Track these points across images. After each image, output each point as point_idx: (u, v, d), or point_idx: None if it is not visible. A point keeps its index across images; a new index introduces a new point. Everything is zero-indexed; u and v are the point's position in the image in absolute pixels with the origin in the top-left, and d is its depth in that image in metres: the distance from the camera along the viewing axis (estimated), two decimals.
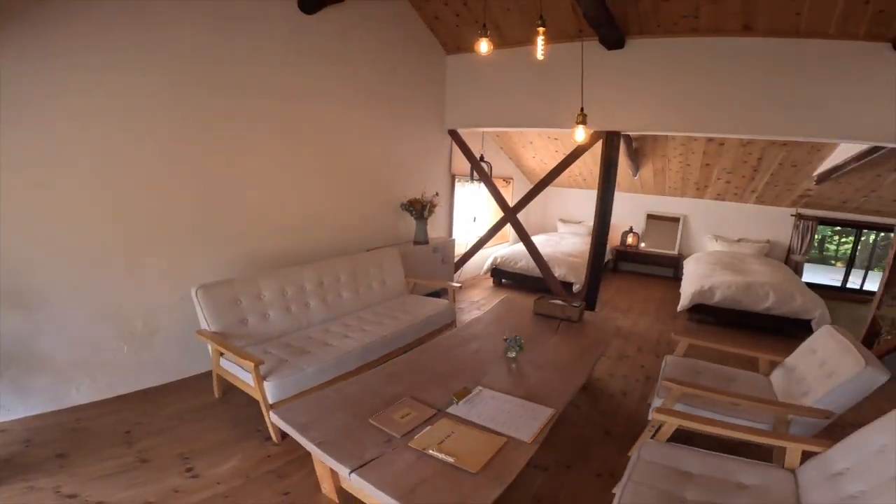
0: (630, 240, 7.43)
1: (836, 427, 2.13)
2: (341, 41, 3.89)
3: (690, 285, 4.91)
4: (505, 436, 1.77)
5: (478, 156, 5.49)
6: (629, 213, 7.58)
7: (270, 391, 2.36)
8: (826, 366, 2.20)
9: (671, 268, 7.15)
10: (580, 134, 2.97)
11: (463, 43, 4.85)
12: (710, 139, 5.05)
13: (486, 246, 6.42)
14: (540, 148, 6.60)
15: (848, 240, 11.20)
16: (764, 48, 3.56)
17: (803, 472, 1.72)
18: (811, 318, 4.26)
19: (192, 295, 2.66)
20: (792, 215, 6.49)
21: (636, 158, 6.12)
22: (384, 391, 2.11)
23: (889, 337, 3.26)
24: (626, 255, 7.41)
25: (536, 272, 5.21)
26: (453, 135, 5.38)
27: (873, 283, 6.67)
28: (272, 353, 2.65)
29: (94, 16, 2.45)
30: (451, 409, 1.96)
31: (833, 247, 12.41)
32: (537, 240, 7.02)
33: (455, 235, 5.93)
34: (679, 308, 4.86)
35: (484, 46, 2.61)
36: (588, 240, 4.90)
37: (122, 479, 2.10)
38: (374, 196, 4.56)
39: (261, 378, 2.35)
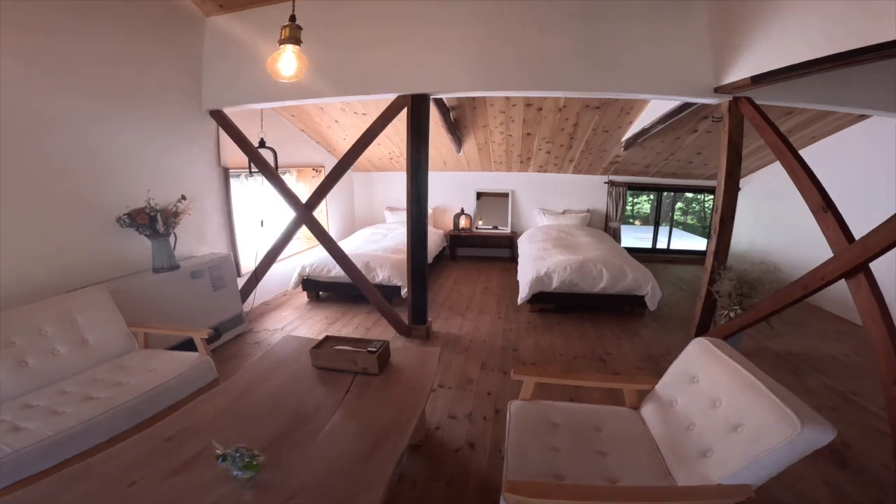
0: (463, 222, 6.79)
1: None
2: None
3: (527, 271, 4.33)
4: None
5: (256, 141, 3.98)
6: (459, 193, 6.96)
7: None
8: (722, 408, 1.51)
9: (507, 248, 6.76)
10: (289, 64, 1.76)
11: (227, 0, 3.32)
12: (529, 104, 4.49)
13: (288, 254, 4.99)
14: (348, 127, 5.35)
15: (640, 200, 12.90)
16: None
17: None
18: (644, 294, 4.03)
19: None
20: (605, 182, 6.62)
21: (457, 132, 5.36)
22: None
23: (732, 314, 3.00)
24: (462, 239, 6.76)
25: None
26: (217, 116, 3.77)
27: (677, 242, 7.34)
28: None
29: None
30: None
31: (629, 207, 14.25)
32: (361, 235, 5.88)
33: (241, 248, 4.37)
34: (520, 300, 4.25)
35: None
36: None
37: None
38: (82, 212, 2.83)
39: None
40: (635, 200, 13.32)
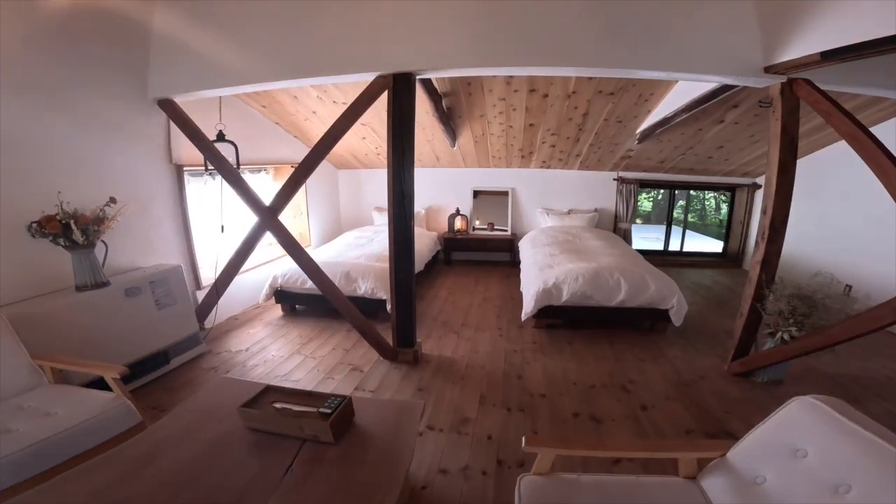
0: (458, 224, 6.21)
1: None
2: None
3: (532, 282, 3.76)
4: None
5: (214, 133, 3.39)
6: (453, 191, 6.38)
7: None
8: (852, 497, 1.07)
9: (507, 252, 6.18)
10: None
11: None
12: (533, 90, 3.92)
13: (261, 262, 4.45)
14: (326, 118, 4.73)
15: (640, 198, 12.31)
16: None
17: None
18: (668, 308, 3.46)
19: None
20: (614, 179, 6.06)
21: (450, 123, 4.78)
22: None
23: (785, 335, 2.44)
24: (457, 242, 6.17)
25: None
26: (167, 106, 3.19)
27: (689, 244, 6.78)
28: None
29: None
30: None
31: None
32: (344, 239, 5.30)
33: (202, 257, 3.81)
34: (524, 316, 3.67)
35: None
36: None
37: None
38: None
39: None
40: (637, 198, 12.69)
